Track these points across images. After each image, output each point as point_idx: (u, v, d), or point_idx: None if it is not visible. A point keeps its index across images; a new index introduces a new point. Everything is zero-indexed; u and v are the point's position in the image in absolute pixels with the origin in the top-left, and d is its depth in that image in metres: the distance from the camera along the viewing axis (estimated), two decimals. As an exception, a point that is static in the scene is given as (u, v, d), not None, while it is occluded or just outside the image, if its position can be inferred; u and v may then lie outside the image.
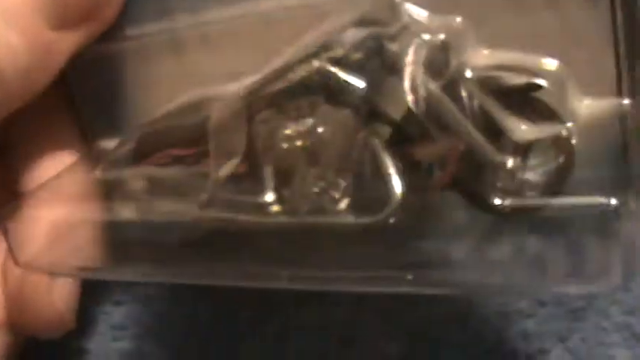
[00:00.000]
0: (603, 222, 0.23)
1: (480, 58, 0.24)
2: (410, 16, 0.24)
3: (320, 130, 0.24)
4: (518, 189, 0.24)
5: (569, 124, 0.24)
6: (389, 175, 0.23)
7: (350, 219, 0.24)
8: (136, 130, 0.29)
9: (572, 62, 0.24)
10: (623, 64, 0.23)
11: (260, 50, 0.27)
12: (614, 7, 0.23)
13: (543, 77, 0.24)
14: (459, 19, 0.24)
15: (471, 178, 0.24)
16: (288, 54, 0.25)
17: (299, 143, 0.24)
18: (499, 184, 0.24)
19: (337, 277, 0.25)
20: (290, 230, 0.25)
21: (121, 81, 0.30)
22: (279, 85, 0.25)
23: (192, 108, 0.28)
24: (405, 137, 0.24)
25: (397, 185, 0.23)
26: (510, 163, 0.24)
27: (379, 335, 0.33)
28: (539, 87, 0.24)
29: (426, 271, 0.24)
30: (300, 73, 0.24)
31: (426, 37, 0.24)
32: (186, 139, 0.28)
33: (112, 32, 0.29)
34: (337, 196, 0.24)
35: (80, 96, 0.31)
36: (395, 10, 0.24)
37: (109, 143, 0.31)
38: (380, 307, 0.33)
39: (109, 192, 0.29)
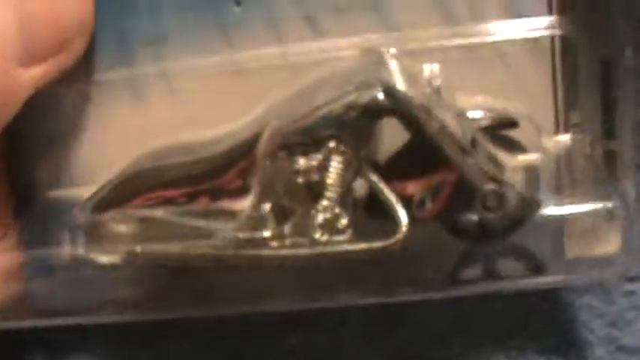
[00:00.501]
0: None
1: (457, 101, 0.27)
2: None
3: (331, 164, 0.26)
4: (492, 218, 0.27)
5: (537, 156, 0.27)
6: (394, 206, 0.26)
7: (363, 245, 0.26)
8: (117, 175, 0.29)
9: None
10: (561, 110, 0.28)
11: (231, 100, 0.28)
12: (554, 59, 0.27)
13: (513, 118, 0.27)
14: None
15: (458, 209, 0.27)
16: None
17: (312, 177, 0.26)
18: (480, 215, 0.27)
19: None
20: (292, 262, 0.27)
21: (73, 127, 0.29)
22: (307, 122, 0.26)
23: (163, 154, 0.29)
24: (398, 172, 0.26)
25: (403, 215, 0.26)
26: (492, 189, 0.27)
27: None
28: (516, 124, 0.27)
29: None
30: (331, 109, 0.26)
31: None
32: (175, 180, 0.28)
33: (71, 75, 0.28)
34: (343, 226, 0.26)
35: (26, 142, 0.30)
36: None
37: (58, 193, 0.30)
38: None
39: (89, 236, 0.29)
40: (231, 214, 0.27)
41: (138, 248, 0.27)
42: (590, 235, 0.28)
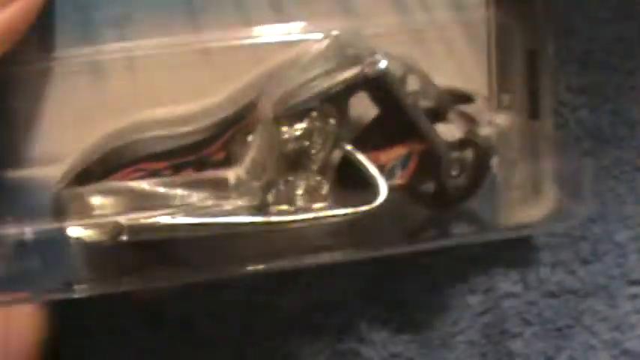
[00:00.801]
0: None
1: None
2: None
3: (313, 134, 0.28)
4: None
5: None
6: (374, 175, 0.28)
7: (347, 210, 0.28)
8: (96, 149, 0.29)
9: None
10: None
11: (195, 80, 0.29)
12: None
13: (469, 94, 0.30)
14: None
15: (426, 177, 0.29)
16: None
17: (295, 146, 0.28)
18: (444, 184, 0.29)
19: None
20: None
21: (32, 105, 0.29)
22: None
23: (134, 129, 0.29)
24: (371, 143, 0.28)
25: (383, 183, 0.28)
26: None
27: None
28: (472, 100, 0.30)
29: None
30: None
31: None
32: (159, 153, 0.28)
33: (29, 52, 0.28)
34: (325, 193, 0.28)
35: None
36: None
37: (16, 173, 0.29)
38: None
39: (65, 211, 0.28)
40: (216, 184, 0.28)
41: (123, 220, 0.27)
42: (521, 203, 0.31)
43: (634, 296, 0.32)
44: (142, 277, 0.28)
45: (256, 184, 0.28)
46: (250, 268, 0.28)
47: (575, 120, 0.35)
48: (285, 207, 0.28)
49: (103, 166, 0.28)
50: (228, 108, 0.29)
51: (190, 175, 0.28)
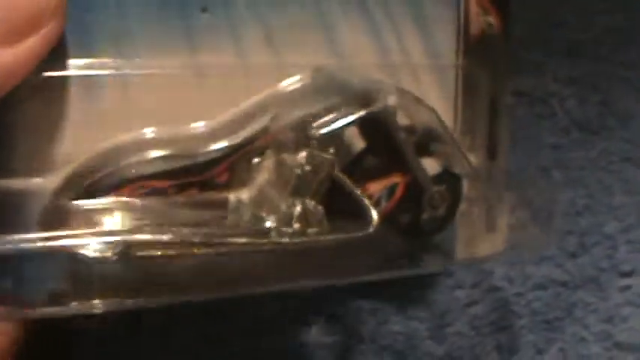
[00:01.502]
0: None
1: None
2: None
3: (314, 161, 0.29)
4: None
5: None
6: (365, 205, 0.29)
7: (342, 235, 0.29)
8: (95, 162, 0.28)
9: None
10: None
11: (189, 101, 0.29)
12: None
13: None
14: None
15: (407, 207, 0.31)
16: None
17: (298, 172, 0.29)
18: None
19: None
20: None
21: (22, 118, 0.28)
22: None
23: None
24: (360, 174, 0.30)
25: (374, 212, 0.29)
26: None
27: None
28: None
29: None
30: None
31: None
32: (164, 172, 0.28)
33: None
34: (320, 218, 0.29)
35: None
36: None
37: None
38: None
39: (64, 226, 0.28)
40: (220, 205, 0.29)
41: (130, 237, 0.27)
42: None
43: (625, 288, 0.32)
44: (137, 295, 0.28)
45: (258, 206, 0.29)
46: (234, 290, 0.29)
47: (563, 111, 0.35)
48: (286, 229, 0.29)
49: (106, 181, 0.28)
50: (235, 130, 0.29)
51: (193, 195, 0.28)
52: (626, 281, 0.32)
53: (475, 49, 0.33)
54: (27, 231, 0.26)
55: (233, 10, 0.29)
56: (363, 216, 0.29)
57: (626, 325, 0.31)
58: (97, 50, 0.28)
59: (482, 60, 0.33)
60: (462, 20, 0.33)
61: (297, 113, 0.29)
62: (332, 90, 0.30)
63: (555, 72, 0.35)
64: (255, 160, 0.29)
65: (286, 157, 0.29)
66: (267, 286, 0.30)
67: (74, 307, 0.28)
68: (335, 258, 0.30)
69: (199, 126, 0.29)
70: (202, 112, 0.29)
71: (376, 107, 0.29)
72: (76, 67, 0.28)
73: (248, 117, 0.29)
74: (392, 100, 0.29)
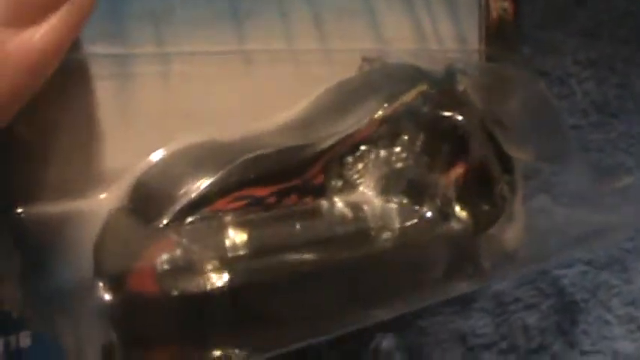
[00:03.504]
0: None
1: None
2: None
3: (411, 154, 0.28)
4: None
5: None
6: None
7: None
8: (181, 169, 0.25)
9: None
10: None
11: (237, 91, 0.27)
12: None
13: None
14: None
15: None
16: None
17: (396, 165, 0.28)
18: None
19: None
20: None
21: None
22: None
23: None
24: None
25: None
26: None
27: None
28: None
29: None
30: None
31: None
32: (262, 176, 0.25)
33: None
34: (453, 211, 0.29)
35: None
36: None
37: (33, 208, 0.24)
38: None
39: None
40: (317, 214, 0.26)
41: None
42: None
43: (649, 272, 0.32)
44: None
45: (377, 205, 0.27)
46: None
47: (581, 92, 0.35)
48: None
49: (197, 197, 0.24)
50: (333, 121, 0.27)
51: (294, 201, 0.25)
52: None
53: (493, 35, 0.33)
54: (82, 252, 0.23)
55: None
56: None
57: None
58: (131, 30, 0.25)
59: (499, 45, 0.33)
60: (482, 5, 0.33)
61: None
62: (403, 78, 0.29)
63: (575, 54, 0.35)
64: (349, 158, 0.27)
65: (383, 152, 0.28)
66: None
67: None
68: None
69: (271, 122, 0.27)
70: (250, 101, 0.27)
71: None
72: (105, 49, 0.25)
73: (341, 111, 0.27)
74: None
